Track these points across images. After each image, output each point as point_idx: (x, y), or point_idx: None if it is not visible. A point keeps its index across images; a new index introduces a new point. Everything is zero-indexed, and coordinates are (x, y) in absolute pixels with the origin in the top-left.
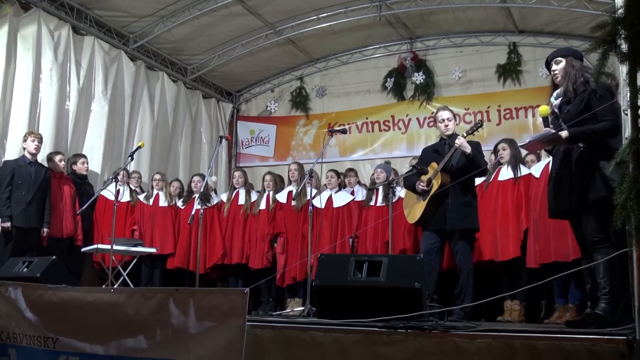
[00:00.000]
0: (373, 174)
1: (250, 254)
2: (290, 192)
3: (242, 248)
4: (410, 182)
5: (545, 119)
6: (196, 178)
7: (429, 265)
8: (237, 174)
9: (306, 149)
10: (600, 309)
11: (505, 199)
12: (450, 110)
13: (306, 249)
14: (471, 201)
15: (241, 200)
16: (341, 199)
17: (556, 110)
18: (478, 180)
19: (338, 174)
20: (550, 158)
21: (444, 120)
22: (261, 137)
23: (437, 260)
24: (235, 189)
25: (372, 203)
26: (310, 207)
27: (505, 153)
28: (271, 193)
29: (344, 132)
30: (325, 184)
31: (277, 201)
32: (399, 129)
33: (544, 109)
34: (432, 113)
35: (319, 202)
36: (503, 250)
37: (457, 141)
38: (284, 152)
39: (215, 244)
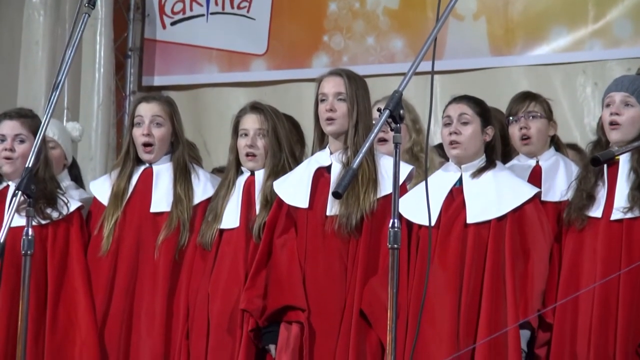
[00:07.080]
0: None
1: None
2: (320, 172)
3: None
4: None
5: None
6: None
7: None
8: (145, 109)
9: (377, 28)
10: None
11: None
12: None
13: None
14: None
15: (158, 205)
16: (496, 194)
17: None
18: None
19: (486, 114)
20: None
21: None
22: None
23: None
24: (138, 163)
25: (597, 211)
26: (394, 223)
27: None
28: (262, 174)
29: None
30: (437, 148)
31: (280, 202)
32: None
33: None
34: None
35: (418, 207)
36: None
37: None
38: (304, 41)
39: (75, 336)
